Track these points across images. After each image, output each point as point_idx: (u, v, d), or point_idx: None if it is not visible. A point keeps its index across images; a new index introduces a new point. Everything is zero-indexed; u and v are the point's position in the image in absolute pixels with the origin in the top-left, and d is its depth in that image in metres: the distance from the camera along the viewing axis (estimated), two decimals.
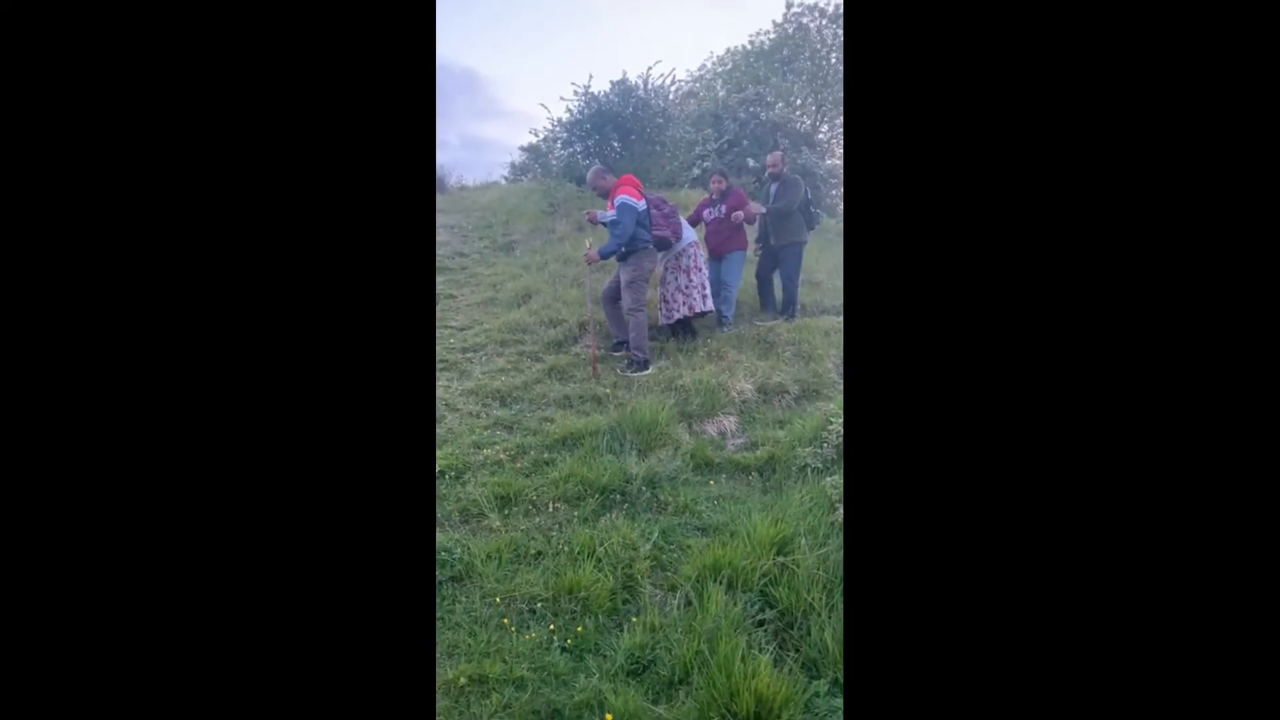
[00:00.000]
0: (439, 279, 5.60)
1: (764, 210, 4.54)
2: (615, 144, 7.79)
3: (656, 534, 2.33)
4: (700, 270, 4.30)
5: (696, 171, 9.08)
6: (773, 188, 4.68)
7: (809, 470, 2.77)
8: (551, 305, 4.72)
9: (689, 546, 2.26)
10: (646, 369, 3.84)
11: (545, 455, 2.89)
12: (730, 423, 3.38)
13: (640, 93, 7.71)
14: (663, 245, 4.17)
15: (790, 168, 5.30)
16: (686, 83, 11.84)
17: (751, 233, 4.92)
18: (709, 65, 12.77)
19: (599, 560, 2.14)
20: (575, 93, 7.80)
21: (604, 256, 3.94)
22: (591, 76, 7.37)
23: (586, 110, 7.67)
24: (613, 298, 4.13)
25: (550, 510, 2.49)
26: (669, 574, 2.14)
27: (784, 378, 3.79)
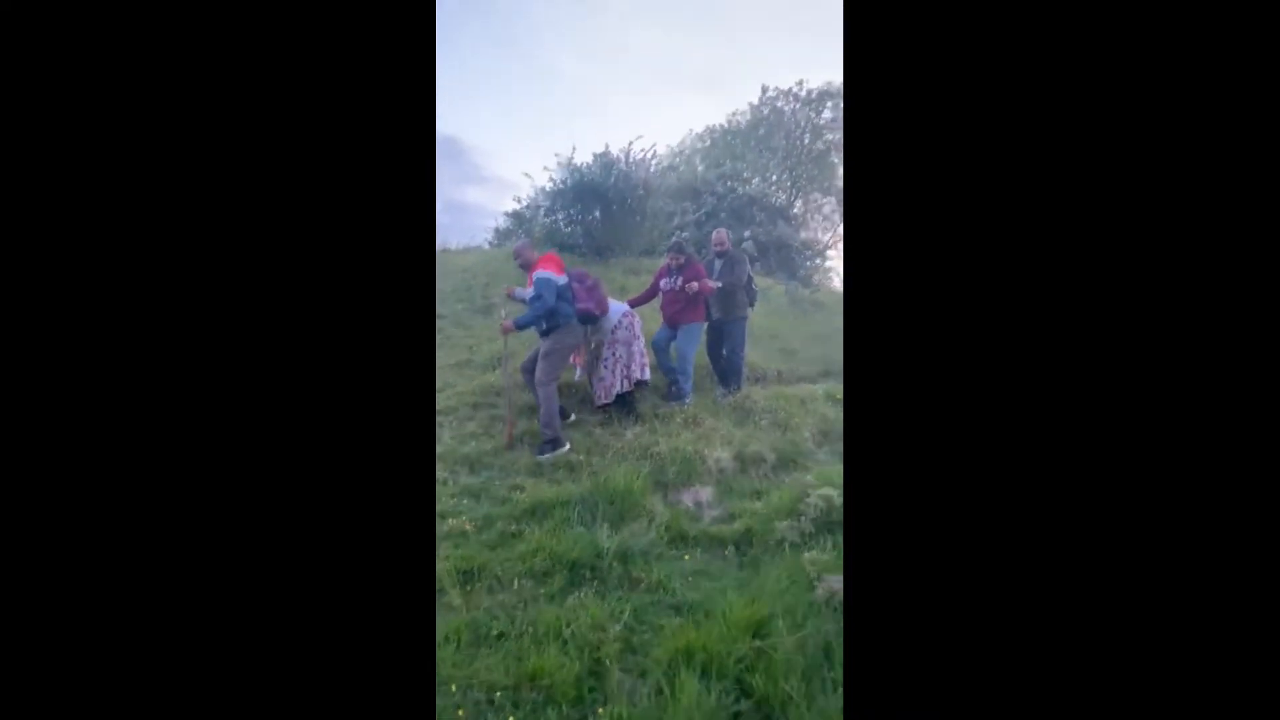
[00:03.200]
0: None
1: (719, 285, 4.58)
2: (596, 213, 7.97)
3: (627, 613, 2.20)
4: (638, 338, 4.20)
5: (673, 241, 9.29)
6: (718, 264, 4.74)
7: (786, 544, 2.68)
8: None
9: (661, 627, 2.13)
10: (560, 448, 3.62)
11: (513, 526, 2.77)
12: (706, 493, 3.30)
13: (622, 165, 7.97)
14: (587, 319, 4.04)
15: (765, 240, 5.46)
16: (667, 157, 12.35)
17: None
18: (688, 141, 13.39)
19: (565, 643, 2.00)
20: (559, 163, 8.03)
21: (519, 327, 3.78)
22: (575, 148, 7.69)
23: (569, 180, 7.88)
24: (533, 369, 3.95)
25: (515, 587, 2.35)
26: (639, 658, 2.01)
27: (761, 446, 3.74)
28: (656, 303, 4.72)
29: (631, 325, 4.20)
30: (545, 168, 8.82)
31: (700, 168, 12.19)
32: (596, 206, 7.91)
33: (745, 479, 3.48)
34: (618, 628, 2.11)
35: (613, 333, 4.15)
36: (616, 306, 4.23)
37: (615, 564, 2.53)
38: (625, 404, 4.23)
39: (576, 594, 2.33)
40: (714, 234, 4.93)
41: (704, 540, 2.84)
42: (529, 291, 3.77)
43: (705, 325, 4.68)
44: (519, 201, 8.94)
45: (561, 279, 3.77)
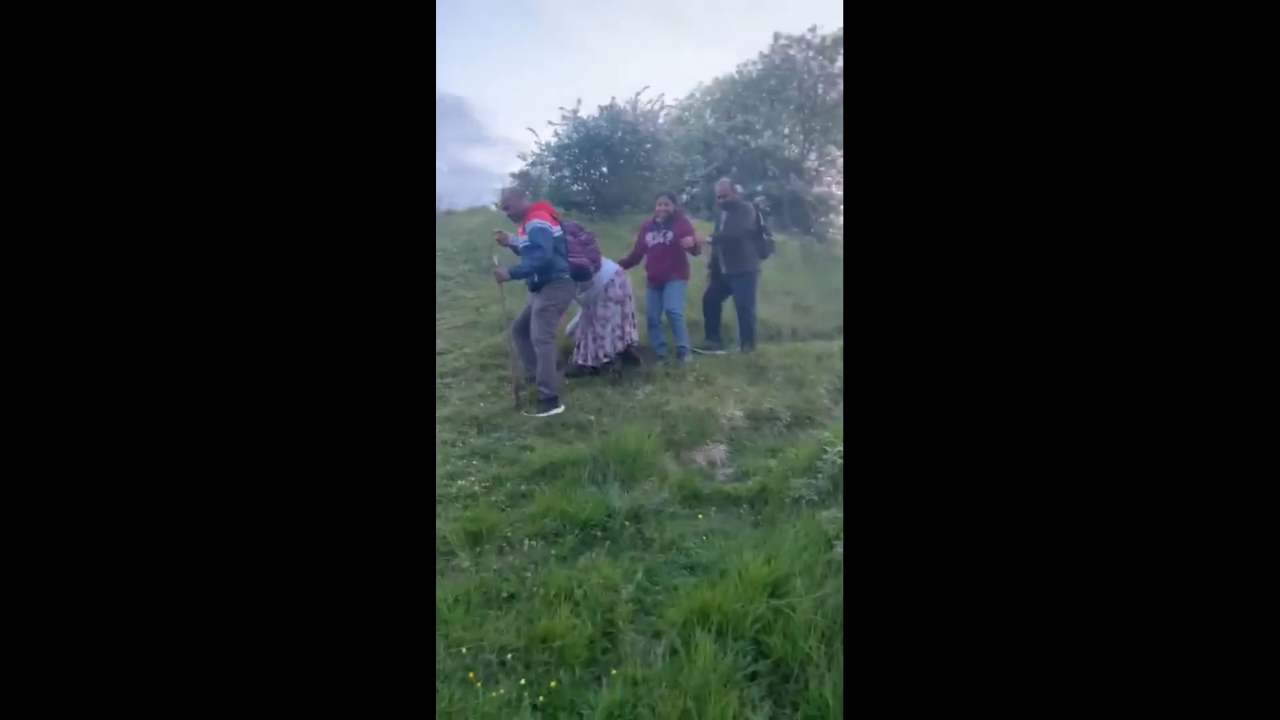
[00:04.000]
0: None
1: (708, 240, 4.40)
2: (604, 168, 7.73)
3: (640, 574, 2.15)
4: (630, 298, 4.09)
5: (685, 197, 9.06)
6: (723, 215, 4.53)
7: (803, 502, 2.61)
8: None
9: (675, 588, 2.08)
10: (556, 407, 3.50)
11: (523, 487, 2.72)
12: (719, 452, 3.23)
13: (629, 118, 7.68)
14: (580, 275, 3.87)
15: (778, 194, 5.25)
16: (675, 110, 11.89)
17: (697, 260, 4.72)
18: (697, 94, 12.88)
19: (576, 604, 1.96)
20: (564, 117, 7.76)
21: (514, 277, 3.62)
22: (580, 101, 7.37)
23: (575, 135, 7.63)
24: (523, 328, 3.78)
25: (525, 548, 2.31)
26: (653, 619, 1.97)
27: (775, 404, 3.65)
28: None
29: (625, 284, 4.09)
30: (550, 122, 8.52)
31: (710, 120, 11.76)
32: (604, 161, 7.66)
33: (759, 437, 3.41)
34: (630, 588, 2.06)
35: (605, 290, 4.03)
36: (608, 265, 4.11)
37: (627, 524, 2.48)
38: (628, 361, 4.14)
39: (588, 555, 2.28)
40: (718, 184, 4.70)
41: (718, 499, 2.78)
42: (522, 240, 3.61)
43: (688, 283, 4.49)
44: (524, 159, 8.68)
45: (556, 230, 3.60)
